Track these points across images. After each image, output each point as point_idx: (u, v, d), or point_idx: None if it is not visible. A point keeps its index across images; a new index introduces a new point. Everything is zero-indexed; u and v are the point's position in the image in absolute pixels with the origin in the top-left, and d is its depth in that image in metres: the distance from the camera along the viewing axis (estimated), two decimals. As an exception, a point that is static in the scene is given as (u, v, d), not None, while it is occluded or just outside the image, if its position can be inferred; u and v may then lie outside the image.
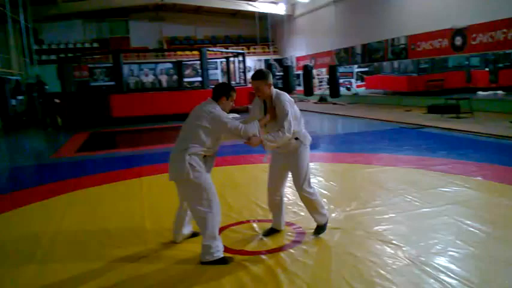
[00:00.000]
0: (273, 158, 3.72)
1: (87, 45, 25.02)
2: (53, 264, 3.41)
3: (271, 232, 3.78)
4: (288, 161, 3.59)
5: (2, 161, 9.34)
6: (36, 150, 11.06)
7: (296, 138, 3.52)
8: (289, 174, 3.65)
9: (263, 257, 3.32)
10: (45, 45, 24.30)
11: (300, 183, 3.54)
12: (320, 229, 3.70)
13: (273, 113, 3.44)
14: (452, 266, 3.00)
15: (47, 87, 16.22)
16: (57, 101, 15.76)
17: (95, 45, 25.05)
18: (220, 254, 3.23)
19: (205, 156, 3.31)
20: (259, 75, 3.43)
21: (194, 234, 3.74)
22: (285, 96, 3.47)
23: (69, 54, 21.11)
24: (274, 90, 3.48)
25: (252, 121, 3.44)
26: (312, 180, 5.65)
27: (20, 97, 18.91)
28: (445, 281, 2.80)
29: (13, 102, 17.08)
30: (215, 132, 3.27)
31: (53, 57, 23.01)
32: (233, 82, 20.72)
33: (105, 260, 3.41)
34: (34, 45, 21.47)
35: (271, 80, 3.45)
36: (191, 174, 3.14)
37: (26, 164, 8.78)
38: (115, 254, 3.51)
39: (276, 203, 3.73)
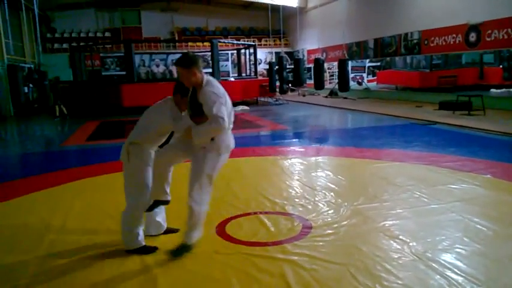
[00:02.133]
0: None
1: (99, 34, 25.12)
2: (62, 250, 3.46)
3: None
4: (191, 152, 3.18)
5: (13, 148, 9.47)
6: (47, 137, 11.18)
7: (212, 139, 3.08)
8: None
9: (269, 248, 3.34)
10: (58, 34, 24.45)
11: (191, 189, 3.12)
12: (182, 249, 3.17)
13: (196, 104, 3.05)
14: (459, 263, 3.00)
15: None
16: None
17: (107, 34, 25.15)
18: (139, 244, 3.32)
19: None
20: (180, 61, 3.01)
21: (170, 231, 3.70)
22: (214, 86, 3.04)
23: (81, 43, 21.24)
24: (205, 78, 3.07)
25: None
26: (320, 173, 5.71)
27: (32, 85, 19.10)
28: (450, 277, 2.80)
29: (25, 89, 17.28)
30: (157, 124, 3.24)
31: (65, 45, 23.17)
32: (244, 74, 20.72)
33: (113, 247, 3.45)
34: (50, 33, 21.62)
35: (197, 68, 3.01)
36: (128, 159, 3.29)
37: (37, 151, 8.89)
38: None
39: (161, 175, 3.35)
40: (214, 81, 3.12)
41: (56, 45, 23.65)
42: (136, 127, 3.37)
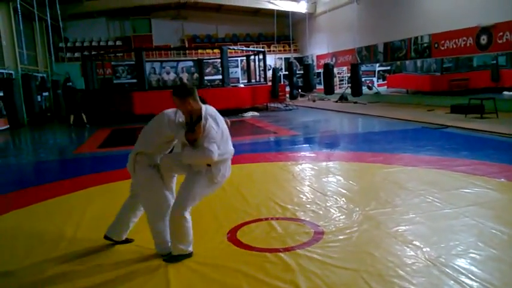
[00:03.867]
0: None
1: (110, 43, 25.42)
2: (75, 256, 3.49)
3: None
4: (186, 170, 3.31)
5: (27, 156, 9.59)
6: (60, 145, 11.31)
7: (208, 165, 3.18)
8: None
9: (281, 254, 3.32)
10: (70, 43, 24.78)
11: (177, 204, 3.21)
12: (172, 257, 3.27)
13: (198, 130, 3.12)
14: (473, 268, 2.96)
15: (70, 83, 16.52)
16: None
17: (118, 43, 25.43)
18: (168, 250, 3.34)
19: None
20: (176, 91, 3.15)
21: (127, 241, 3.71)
22: (214, 120, 3.17)
23: (93, 52, 21.52)
24: (204, 111, 3.17)
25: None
26: (331, 179, 5.70)
27: (45, 93, 19.40)
28: (465, 283, 2.76)
29: (38, 98, 17.54)
30: (163, 133, 3.28)
31: (77, 54, 23.48)
32: (253, 80, 20.77)
33: (125, 253, 3.48)
34: (61, 43, 21.94)
35: (192, 98, 3.13)
36: (135, 169, 3.36)
37: (50, 158, 8.99)
38: (136, 248, 3.56)
39: None
40: (213, 113, 3.23)
41: (68, 54, 23.98)
42: (142, 137, 3.39)
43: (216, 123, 3.17)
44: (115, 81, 24.17)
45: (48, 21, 18.08)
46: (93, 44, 25.14)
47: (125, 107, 15.45)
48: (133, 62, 19.51)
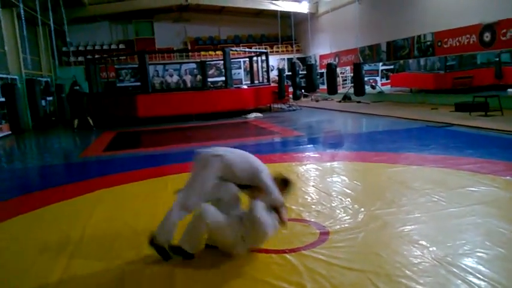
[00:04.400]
0: None
1: (113, 46, 25.51)
2: (81, 261, 3.50)
3: None
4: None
5: (32, 160, 9.64)
6: (66, 149, 11.35)
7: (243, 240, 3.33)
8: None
9: (287, 255, 3.33)
10: (73, 47, 24.88)
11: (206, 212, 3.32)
12: (174, 248, 3.37)
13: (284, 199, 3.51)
14: (481, 267, 2.94)
15: (77, 87, 16.55)
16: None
17: (121, 46, 25.52)
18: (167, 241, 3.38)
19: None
20: (285, 181, 3.58)
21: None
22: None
23: (96, 56, 21.58)
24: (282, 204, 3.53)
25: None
26: (336, 179, 5.69)
27: (49, 98, 19.46)
28: (472, 282, 2.75)
29: (43, 103, 17.58)
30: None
31: (81, 58, 23.58)
32: (256, 81, 20.77)
33: (133, 258, 3.48)
34: (65, 47, 22.04)
35: (287, 192, 3.61)
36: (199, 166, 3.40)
37: (56, 162, 9.03)
38: (143, 252, 3.57)
39: None
40: None
41: (71, 58, 24.07)
42: (236, 154, 3.47)
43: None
44: (118, 85, 24.26)
45: (51, 26, 18.14)
46: (96, 47, 25.23)
47: (129, 110, 15.50)
48: (136, 65, 19.57)
